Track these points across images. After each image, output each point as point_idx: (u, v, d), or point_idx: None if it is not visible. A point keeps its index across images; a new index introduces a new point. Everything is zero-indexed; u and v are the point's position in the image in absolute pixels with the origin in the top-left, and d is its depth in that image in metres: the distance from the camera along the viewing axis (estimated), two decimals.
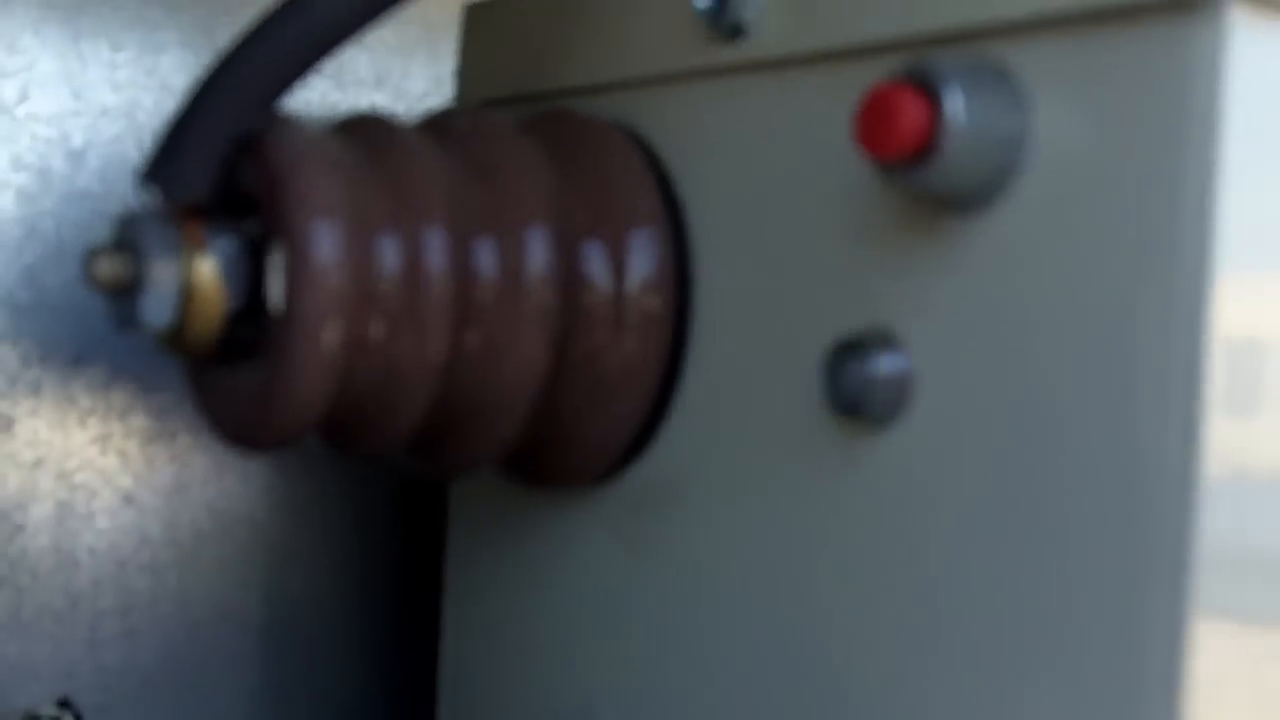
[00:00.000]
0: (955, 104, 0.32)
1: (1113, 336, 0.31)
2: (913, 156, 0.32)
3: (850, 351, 0.35)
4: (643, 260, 0.39)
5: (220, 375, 0.38)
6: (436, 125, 0.40)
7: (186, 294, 0.36)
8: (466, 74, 0.47)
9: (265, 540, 0.52)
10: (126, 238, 0.36)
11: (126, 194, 0.49)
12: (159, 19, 0.50)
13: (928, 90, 0.32)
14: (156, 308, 0.36)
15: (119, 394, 0.50)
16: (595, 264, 0.39)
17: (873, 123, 0.32)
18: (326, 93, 0.53)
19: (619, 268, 0.39)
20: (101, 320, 0.49)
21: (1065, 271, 0.32)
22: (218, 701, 0.52)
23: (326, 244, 0.36)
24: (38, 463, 0.48)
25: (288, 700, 0.53)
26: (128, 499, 0.50)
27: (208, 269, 0.36)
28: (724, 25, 0.38)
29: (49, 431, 0.48)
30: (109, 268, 0.36)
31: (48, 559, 0.49)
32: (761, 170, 0.38)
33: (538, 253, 0.38)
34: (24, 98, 0.48)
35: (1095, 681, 0.31)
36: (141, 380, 0.50)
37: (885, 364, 0.35)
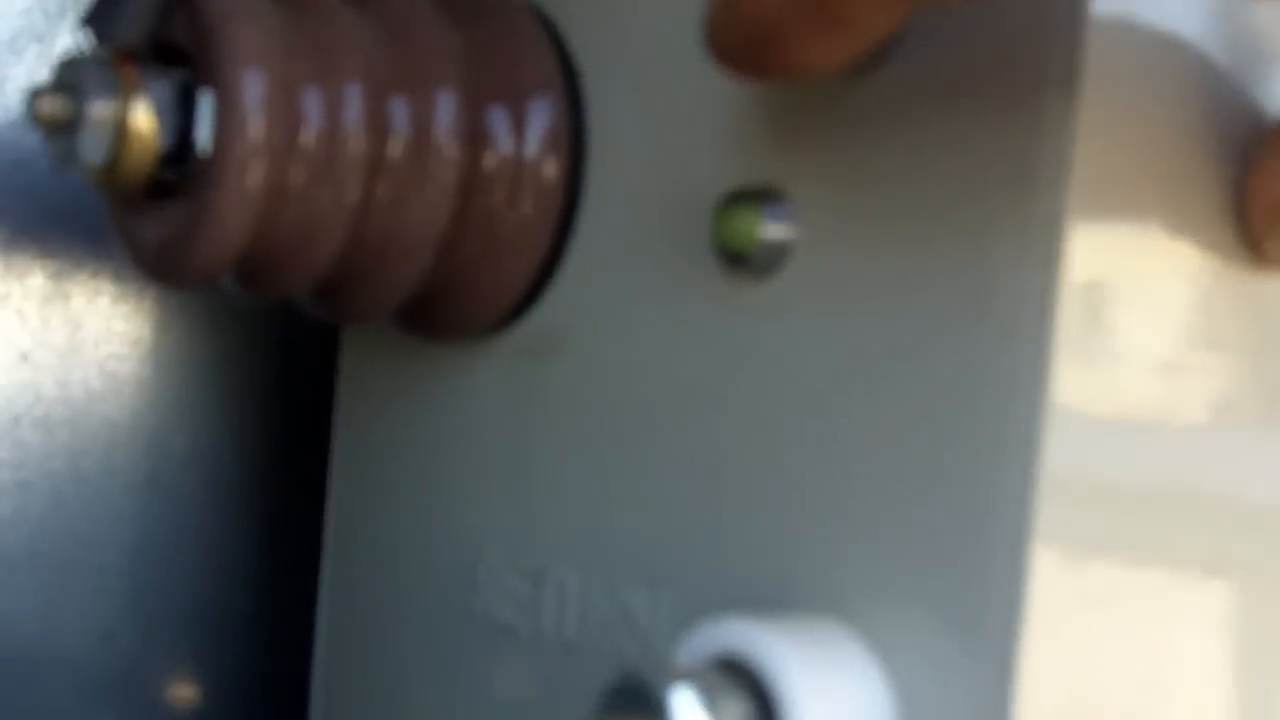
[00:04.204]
0: None
1: (975, 196, 0.34)
2: None
3: (737, 205, 0.38)
4: (540, 124, 0.42)
5: (147, 214, 0.40)
6: None
7: (121, 133, 0.38)
8: None
9: (152, 400, 0.55)
10: (67, 79, 0.39)
11: (33, 63, 0.51)
12: None
13: None
14: (93, 145, 0.38)
15: (18, 256, 0.52)
16: (498, 126, 0.42)
17: None
18: None
19: (519, 131, 0.42)
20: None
21: (940, 139, 0.35)
22: (103, 555, 0.54)
23: (253, 90, 0.38)
24: None
25: (170, 555, 0.56)
26: (24, 356, 0.52)
27: (143, 110, 0.38)
28: None
29: None
30: (49, 106, 0.38)
31: None
32: (653, 38, 0.41)
33: (445, 113, 0.41)
34: None
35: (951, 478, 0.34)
36: (41, 243, 0.52)
37: (770, 217, 0.38)
